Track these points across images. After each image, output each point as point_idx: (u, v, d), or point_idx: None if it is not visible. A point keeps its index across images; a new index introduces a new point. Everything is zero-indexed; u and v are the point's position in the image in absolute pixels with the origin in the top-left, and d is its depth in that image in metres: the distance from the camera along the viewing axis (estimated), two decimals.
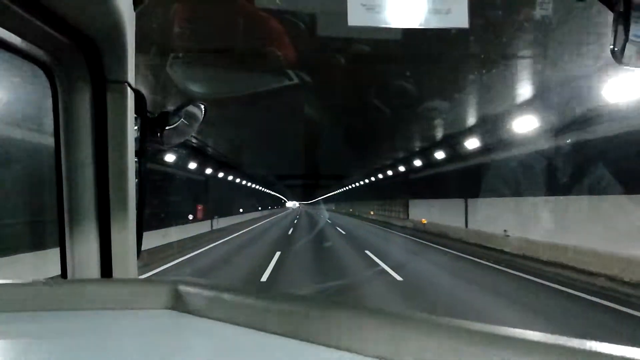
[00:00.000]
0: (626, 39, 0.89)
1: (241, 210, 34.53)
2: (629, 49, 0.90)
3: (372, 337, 0.51)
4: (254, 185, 41.22)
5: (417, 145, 16.96)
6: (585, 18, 4.80)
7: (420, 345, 0.48)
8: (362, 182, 39.86)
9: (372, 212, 40.00)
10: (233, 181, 29.81)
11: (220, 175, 24.91)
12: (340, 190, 61.07)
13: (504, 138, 11.57)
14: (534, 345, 0.44)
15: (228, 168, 24.63)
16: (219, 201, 26.27)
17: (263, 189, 50.72)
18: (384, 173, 28.03)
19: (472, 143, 13.46)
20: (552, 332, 0.47)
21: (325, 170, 34.05)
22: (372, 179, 33.42)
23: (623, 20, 0.89)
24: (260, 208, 49.36)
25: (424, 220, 21.90)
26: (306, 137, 13.87)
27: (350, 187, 49.48)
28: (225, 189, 28.40)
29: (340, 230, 25.24)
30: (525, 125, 10.04)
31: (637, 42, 0.89)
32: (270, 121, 11.04)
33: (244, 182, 34.26)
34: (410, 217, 26.16)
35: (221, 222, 25.22)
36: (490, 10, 4.51)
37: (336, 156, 20.74)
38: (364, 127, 12.43)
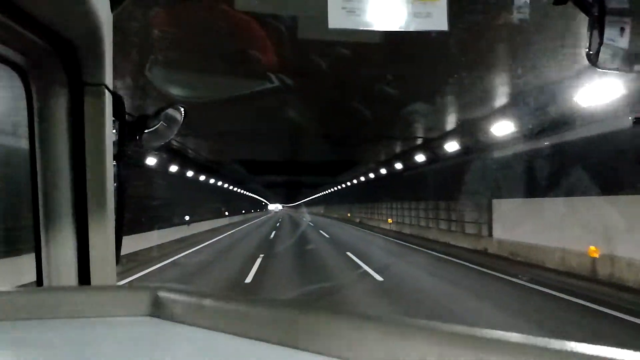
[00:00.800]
0: (601, 42, 0.91)
1: (187, 218, 21.96)
2: (604, 52, 0.92)
3: (357, 342, 0.50)
4: (222, 185, 32.49)
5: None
6: (561, 22, 4.90)
7: (408, 350, 0.48)
8: (368, 177, 27.73)
9: (390, 220, 25.28)
10: (180, 175, 20.22)
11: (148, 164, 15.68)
12: (331, 190, 49.71)
13: None
14: (532, 350, 0.44)
15: (179, 159, 17.79)
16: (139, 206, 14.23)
17: (235, 190, 42.29)
18: (428, 153, 15.74)
19: None
20: None
21: (312, 168, 27.53)
22: (397, 167, 20.21)
23: (598, 24, 0.91)
24: (227, 213, 37.23)
25: (596, 252, 8.53)
26: (289, 136, 13.76)
27: (346, 184, 37.74)
28: (160, 187, 17.94)
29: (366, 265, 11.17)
30: None
31: (611, 46, 0.92)
32: (248, 121, 10.97)
33: (203, 180, 25.51)
34: (496, 234, 12.50)
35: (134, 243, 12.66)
36: (469, 14, 4.58)
37: (323, 152, 17.62)
38: (356, 113, 11.03)
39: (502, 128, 10.43)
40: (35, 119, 0.92)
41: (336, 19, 0.99)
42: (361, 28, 1.00)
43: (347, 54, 5.67)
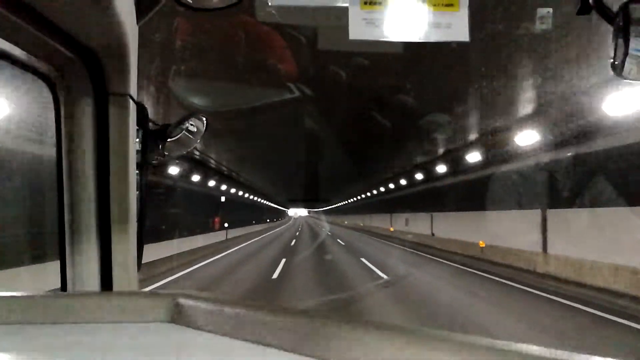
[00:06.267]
0: (626, 53, 0.90)
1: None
2: (629, 62, 0.90)
3: (376, 351, 0.50)
4: (231, 192, 25.69)
5: None
6: (585, 32, 4.83)
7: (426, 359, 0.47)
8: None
9: (482, 244, 14.02)
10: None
11: None
12: (358, 198, 40.52)
13: None
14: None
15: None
16: None
17: (249, 197, 34.29)
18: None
19: None
20: None
21: (333, 177, 23.90)
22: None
23: (623, 34, 0.90)
24: (226, 225, 24.93)
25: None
26: (308, 146, 13.73)
27: (377, 192, 29.50)
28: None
29: None
30: None
31: (637, 56, 0.90)
32: (269, 130, 11.05)
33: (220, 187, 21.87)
34: None
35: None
36: (490, 24, 4.54)
37: (344, 161, 16.45)
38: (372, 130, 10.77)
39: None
40: (62, 128, 0.94)
41: (357, 30, 0.99)
42: (382, 39, 0.99)
43: (366, 64, 5.68)
